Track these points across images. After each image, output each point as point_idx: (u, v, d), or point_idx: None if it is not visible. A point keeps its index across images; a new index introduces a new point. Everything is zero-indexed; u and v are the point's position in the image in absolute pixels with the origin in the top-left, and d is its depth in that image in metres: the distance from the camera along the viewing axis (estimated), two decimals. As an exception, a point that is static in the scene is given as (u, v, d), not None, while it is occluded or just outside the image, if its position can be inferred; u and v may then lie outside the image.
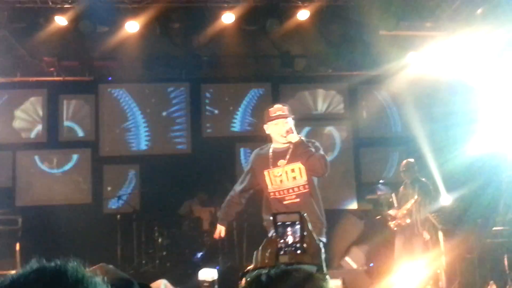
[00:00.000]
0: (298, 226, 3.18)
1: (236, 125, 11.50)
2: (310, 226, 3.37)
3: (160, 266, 9.63)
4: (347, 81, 11.19)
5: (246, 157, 11.29)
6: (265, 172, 5.40)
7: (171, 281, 3.61)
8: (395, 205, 8.88)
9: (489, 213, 8.56)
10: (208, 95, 11.62)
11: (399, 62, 9.85)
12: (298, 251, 3.13)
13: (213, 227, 10.06)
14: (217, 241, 9.85)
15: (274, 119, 5.31)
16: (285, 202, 5.31)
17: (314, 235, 3.50)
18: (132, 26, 9.46)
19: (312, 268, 2.74)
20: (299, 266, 2.40)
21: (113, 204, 10.85)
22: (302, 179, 5.29)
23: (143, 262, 9.96)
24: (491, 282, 7.73)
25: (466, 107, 8.81)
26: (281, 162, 5.33)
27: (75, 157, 11.28)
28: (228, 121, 11.50)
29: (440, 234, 8.51)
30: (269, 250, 3.26)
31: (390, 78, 10.24)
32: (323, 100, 11.48)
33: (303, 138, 5.31)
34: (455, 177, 8.84)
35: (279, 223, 3.21)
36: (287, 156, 5.32)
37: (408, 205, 8.65)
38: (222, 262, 9.76)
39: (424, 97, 10.48)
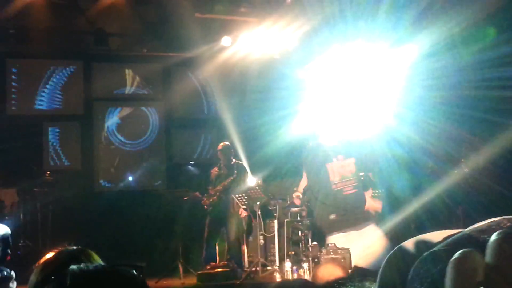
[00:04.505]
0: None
1: (44, 103, 10.98)
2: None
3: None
4: (161, 61, 11.14)
5: (54, 137, 10.89)
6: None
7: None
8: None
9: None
10: (14, 70, 10.93)
11: (214, 45, 10.09)
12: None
13: (14, 209, 9.64)
14: (20, 224, 9.45)
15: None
16: None
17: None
18: None
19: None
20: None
21: None
22: None
23: None
24: (288, 259, 8.36)
25: (282, 92, 9.27)
26: None
27: None
28: (35, 98, 10.92)
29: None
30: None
31: (204, 61, 10.43)
32: (137, 80, 11.41)
33: None
34: (267, 160, 9.33)
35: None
36: None
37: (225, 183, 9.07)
38: (24, 245, 9.38)
39: (238, 81, 10.89)
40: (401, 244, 0.95)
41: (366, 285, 1.61)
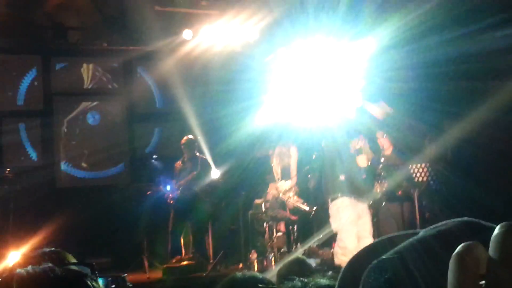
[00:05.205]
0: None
1: (1, 99, 10.73)
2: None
3: None
4: (122, 55, 11.01)
5: (14, 133, 10.69)
6: None
7: None
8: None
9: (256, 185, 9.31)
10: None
11: (175, 39, 10.05)
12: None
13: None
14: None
15: None
16: None
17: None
18: None
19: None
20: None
21: None
22: None
23: None
24: (253, 250, 8.47)
25: (245, 84, 9.29)
26: None
27: None
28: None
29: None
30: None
31: (166, 54, 10.37)
32: (97, 74, 11.26)
33: None
34: (230, 151, 9.36)
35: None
36: None
37: (188, 178, 9.08)
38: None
39: (200, 74, 10.86)
40: (361, 249, 0.94)
41: (321, 282, 1.59)
